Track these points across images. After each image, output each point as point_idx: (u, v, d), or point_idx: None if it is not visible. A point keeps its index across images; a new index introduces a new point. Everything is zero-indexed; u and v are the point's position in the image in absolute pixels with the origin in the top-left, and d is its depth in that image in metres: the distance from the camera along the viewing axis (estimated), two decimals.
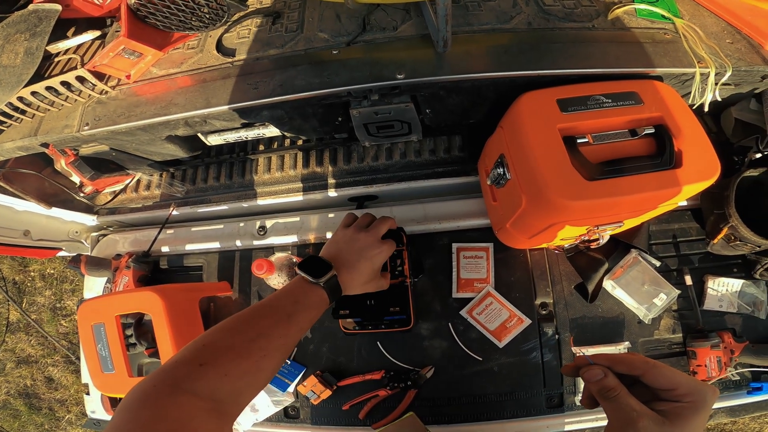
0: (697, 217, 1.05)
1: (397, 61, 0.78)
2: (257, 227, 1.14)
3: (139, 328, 0.99)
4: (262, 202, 1.14)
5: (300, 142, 1.19)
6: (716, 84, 0.75)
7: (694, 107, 0.77)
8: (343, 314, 0.91)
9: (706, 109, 0.77)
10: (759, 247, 0.90)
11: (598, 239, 0.80)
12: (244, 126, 1.00)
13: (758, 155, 0.93)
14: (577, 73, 0.75)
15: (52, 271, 2.46)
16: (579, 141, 0.69)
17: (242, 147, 1.22)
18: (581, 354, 0.48)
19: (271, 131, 1.05)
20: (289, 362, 1.05)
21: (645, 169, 0.66)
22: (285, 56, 0.84)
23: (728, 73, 0.73)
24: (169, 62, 0.89)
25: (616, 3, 0.82)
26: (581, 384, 0.99)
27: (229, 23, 0.89)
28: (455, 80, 0.77)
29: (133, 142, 0.95)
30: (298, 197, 1.14)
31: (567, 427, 0.99)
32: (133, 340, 1.00)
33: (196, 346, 0.52)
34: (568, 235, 0.82)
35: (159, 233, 1.09)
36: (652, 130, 0.69)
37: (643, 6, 0.80)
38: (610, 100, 0.71)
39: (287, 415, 1.07)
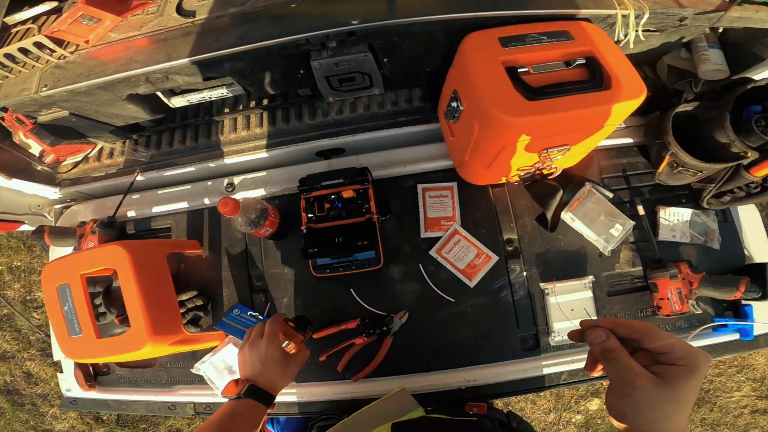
0: (643, 153, 1.15)
1: (352, 10, 0.85)
2: (225, 184, 1.18)
3: (107, 297, 1.00)
4: (229, 161, 1.19)
5: (265, 102, 1.24)
6: (637, 25, 0.85)
7: (621, 44, 0.88)
8: (312, 252, 0.97)
9: (632, 45, 0.88)
10: (700, 172, 1.00)
11: (552, 170, 0.88)
12: (207, 84, 1.05)
13: (692, 96, 1.04)
14: (515, 14, 0.84)
15: (19, 263, 2.46)
16: (520, 70, 0.78)
17: (207, 110, 1.26)
18: (588, 320, 0.53)
19: (235, 90, 1.09)
20: (261, 318, 1.09)
21: (580, 90, 0.76)
22: (245, 13, 0.91)
23: (646, 15, 0.83)
24: (128, 27, 0.95)
25: None
26: (555, 323, 1.04)
27: None
28: (406, 23, 0.85)
29: (93, 104, 0.99)
30: (265, 154, 1.19)
31: (545, 370, 1.04)
32: (102, 309, 1.01)
33: None
34: (521, 164, 0.91)
35: (125, 196, 1.13)
36: (584, 61, 0.79)
37: None
38: (545, 37, 0.81)
39: None
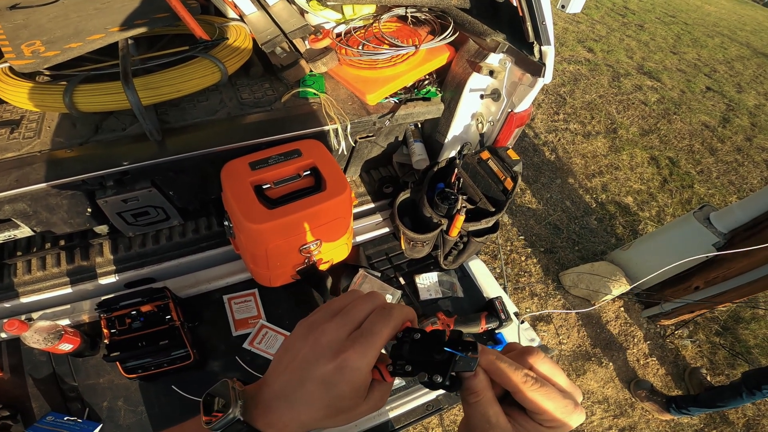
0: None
1: (125, 153, 1.07)
2: (23, 318, 1.19)
3: None
4: (26, 300, 1.25)
5: (62, 243, 1.36)
6: (346, 134, 1.23)
7: (339, 151, 1.27)
8: (115, 356, 1.04)
9: (346, 152, 1.28)
10: (425, 243, 1.44)
11: (324, 262, 1.16)
12: None
13: (413, 184, 1.51)
14: (261, 141, 1.17)
15: None
16: (264, 187, 1.11)
17: None
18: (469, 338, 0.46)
19: (23, 231, 1.19)
20: (80, 421, 1.09)
21: (306, 194, 1.10)
22: (21, 158, 1.04)
23: (348, 126, 1.23)
24: None
25: (288, 89, 1.28)
26: None
27: None
28: (172, 160, 1.09)
29: None
30: (67, 290, 1.28)
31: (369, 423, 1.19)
32: None
33: None
34: (292, 261, 1.20)
35: None
36: (309, 171, 1.16)
37: (301, 89, 1.28)
38: (282, 158, 1.16)
39: None
